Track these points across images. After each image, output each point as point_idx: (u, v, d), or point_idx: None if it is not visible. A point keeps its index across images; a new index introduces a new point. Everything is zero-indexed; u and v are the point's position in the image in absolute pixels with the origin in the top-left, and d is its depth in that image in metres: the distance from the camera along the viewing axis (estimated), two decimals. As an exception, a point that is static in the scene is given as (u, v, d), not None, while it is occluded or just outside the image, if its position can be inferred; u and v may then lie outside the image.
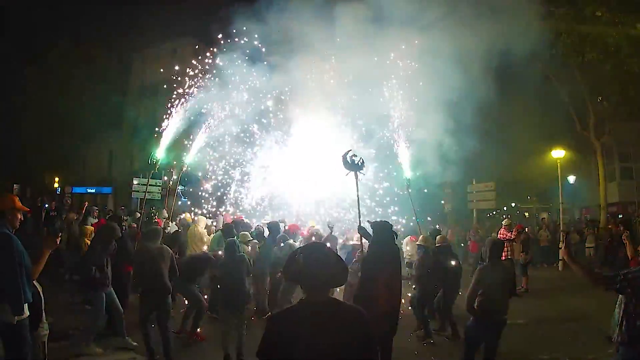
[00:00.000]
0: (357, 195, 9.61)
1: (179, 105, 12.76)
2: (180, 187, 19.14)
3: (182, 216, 16.92)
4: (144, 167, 21.85)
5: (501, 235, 14.63)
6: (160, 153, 11.65)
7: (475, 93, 16.14)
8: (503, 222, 15.73)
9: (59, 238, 5.88)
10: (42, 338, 5.99)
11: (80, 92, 32.93)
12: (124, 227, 9.67)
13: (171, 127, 12.31)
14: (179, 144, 14.91)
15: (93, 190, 39.62)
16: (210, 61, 15.65)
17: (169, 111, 12.60)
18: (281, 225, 12.51)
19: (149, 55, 34.69)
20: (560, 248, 6.17)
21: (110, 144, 36.67)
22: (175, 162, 15.60)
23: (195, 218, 14.71)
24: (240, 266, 8.13)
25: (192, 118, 13.88)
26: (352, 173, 9.74)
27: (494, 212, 27.52)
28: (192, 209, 19.39)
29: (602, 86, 19.71)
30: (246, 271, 8.27)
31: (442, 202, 26.19)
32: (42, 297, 5.80)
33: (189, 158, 14.64)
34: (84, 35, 34.69)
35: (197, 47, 15.20)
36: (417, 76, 14.31)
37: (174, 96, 12.99)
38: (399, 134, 13.25)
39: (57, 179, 39.80)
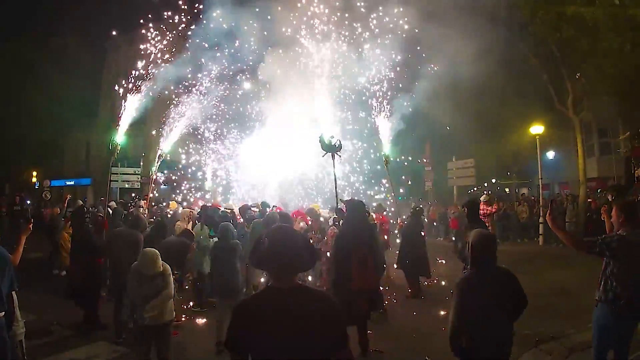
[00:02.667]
0: (335, 176, 9.58)
1: (137, 87, 12.39)
2: (160, 174, 19.03)
3: (165, 204, 16.76)
4: (122, 157, 21.65)
5: (481, 211, 14.77)
6: (119, 137, 11.37)
7: (454, 70, 16.16)
8: (481, 198, 15.84)
9: (31, 224, 6.40)
10: (19, 337, 6.00)
11: (55, 85, 32.39)
12: (87, 218, 9.37)
13: (128, 109, 11.95)
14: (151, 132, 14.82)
15: (72, 183, 39.21)
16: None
17: (126, 94, 12.23)
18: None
19: (122, 44, 34.23)
20: (546, 214, 5.98)
21: (87, 135, 36.16)
22: (158, 150, 15.49)
23: (172, 211, 14.61)
24: (233, 252, 7.98)
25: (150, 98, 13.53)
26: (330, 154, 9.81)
27: (475, 189, 27.58)
28: (173, 195, 19.29)
29: (579, 63, 19.70)
30: (239, 257, 8.09)
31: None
32: (15, 296, 5.80)
33: (165, 145, 14.53)
34: (56, 26, 34.05)
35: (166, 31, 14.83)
36: (396, 48, 14.26)
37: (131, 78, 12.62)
38: (378, 107, 13.12)
39: (35, 174, 39.31)
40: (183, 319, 9.10)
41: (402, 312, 9.80)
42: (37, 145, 36.20)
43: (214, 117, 19.18)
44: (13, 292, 5.63)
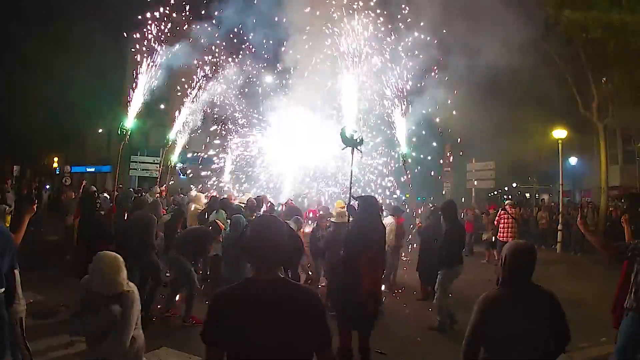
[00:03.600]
0: (351, 171, 9.45)
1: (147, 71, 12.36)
2: (179, 164, 19.14)
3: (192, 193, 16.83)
4: (142, 146, 21.83)
5: (505, 216, 14.73)
6: (129, 122, 11.33)
7: (477, 70, 15.98)
8: (506, 202, 15.64)
9: (35, 204, 6.31)
10: (19, 314, 5.93)
11: (77, 73, 32.69)
12: (97, 204, 9.40)
13: (138, 94, 11.91)
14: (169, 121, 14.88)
15: (92, 169, 39.61)
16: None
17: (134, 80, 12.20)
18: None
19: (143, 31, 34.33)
20: (577, 220, 5.73)
21: (109, 122, 36.46)
22: (175, 140, 15.55)
23: (194, 195, 14.65)
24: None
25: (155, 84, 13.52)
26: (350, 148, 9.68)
27: (495, 192, 27.34)
28: (192, 186, 19.33)
29: (606, 67, 19.32)
30: None
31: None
32: (17, 273, 5.81)
33: (173, 133, 14.56)
34: (79, 15, 34.33)
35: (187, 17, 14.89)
36: (418, 49, 14.11)
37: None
38: (396, 105, 12.97)
39: (56, 160, 39.86)
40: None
41: (409, 314, 9.73)
42: (60, 132, 36.61)
43: (234, 107, 19.19)
44: (15, 271, 5.65)
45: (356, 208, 7.61)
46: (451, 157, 27.54)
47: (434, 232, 10.78)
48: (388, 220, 11.50)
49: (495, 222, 15.39)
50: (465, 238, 9.25)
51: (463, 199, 25.00)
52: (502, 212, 15.18)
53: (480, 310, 3.46)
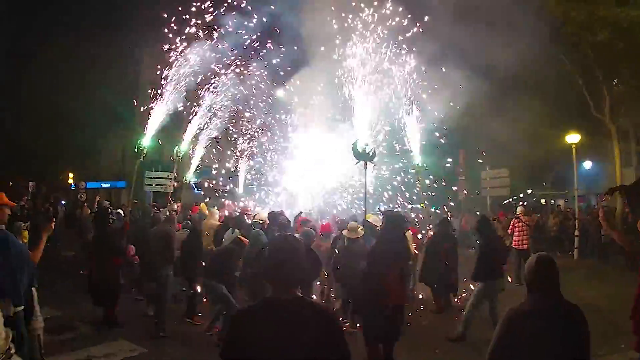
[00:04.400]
0: (365, 186, 9.41)
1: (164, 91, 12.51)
2: (193, 179, 19.28)
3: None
4: (157, 161, 21.99)
5: (518, 223, 14.77)
6: (146, 140, 11.50)
7: (486, 75, 15.93)
8: (517, 210, 15.56)
9: (53, 222, 6.57)
10: (37, 330, 6.14)
11: (92, 90, 33.07)
12: (111, 220, 9.51)
13: (157, 113, 12.07)
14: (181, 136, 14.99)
15: (107, 185, 39.90)
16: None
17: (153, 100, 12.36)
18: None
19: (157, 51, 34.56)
20: (599, 216, 5.64)
21: (123, 139, 36.75)
22: (191, 154, 15.66)
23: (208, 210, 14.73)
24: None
25: (179, 107, 13.66)
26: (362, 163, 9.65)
27: (510, 199, 27.08)
28: (206, 200, 19.44)
29: (616, 67, 19.16)
30: None
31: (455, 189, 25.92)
32: (35, 291, 5.94)
33: (183, 145, 14.65)
34: (93, 31, 34.72)
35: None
36: (430, 57, 14.08)
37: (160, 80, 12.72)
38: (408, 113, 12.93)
39: (71, 176, 40.21)
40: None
41: (425, 325, 9.67)
42: (75, 148, 37.00)
43: (247, 121, 19.34)
44: (32, 288, 5.78)
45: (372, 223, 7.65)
46: (464, 165, 27.39)
47: (441, 241, 10.87)
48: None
49: (510, 230, 15.24)
50: (504, 252, 9.06)
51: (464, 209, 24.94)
52: (515, 219, 15.14)
53: (507, 324, 3.42)
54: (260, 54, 17.55)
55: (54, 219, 6.82)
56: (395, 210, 8.83)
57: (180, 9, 14.86)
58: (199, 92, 15.84)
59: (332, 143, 15.35)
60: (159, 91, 12.37)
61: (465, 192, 26.41)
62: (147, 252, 9.62)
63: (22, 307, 5.38)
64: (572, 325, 3.39)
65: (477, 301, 8.66)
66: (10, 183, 40.11)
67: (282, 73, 18.21)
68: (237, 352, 2.63)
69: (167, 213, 11.00)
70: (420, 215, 14.40)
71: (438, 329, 9.33)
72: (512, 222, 15.36)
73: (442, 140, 14.90)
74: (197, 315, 9.57)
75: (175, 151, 15.09)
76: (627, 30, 16.36)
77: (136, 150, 11.46)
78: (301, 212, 13.33)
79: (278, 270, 2.75)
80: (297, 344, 2.55)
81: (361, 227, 9.30)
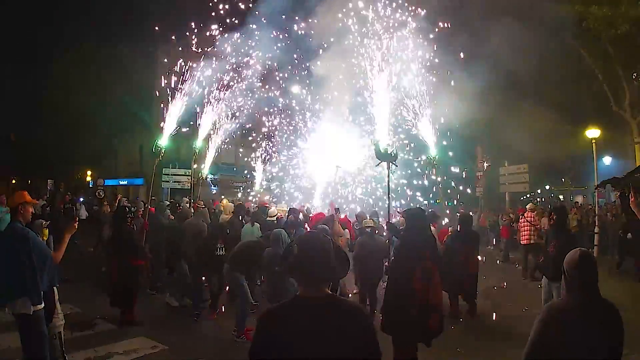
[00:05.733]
0: (388, 188, 9.27)
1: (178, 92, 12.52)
2: (210, 176, 19.34)
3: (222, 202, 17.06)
4: (174, 158, 22.11)
5: (527, 219, 15.02)
6: (164, 140, 11.52)
7: (506, 71, 15.78)
8: (527, 206, 15.80)
9: (77, 222, 6.46)
10: (58, 328, 6.17)
11: (110, 89, 33.34)
12: (129, 219, 9.54)
13: (173, 113, 12.10)
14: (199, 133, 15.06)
15: (125, 183, 40.20)
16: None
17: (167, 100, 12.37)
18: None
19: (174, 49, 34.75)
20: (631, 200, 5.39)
21: (141, 137, 36.99)
22: (197, 151, 15.71)
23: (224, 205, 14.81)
24: None
25: (196, 107, 13.70)
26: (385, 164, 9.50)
27: (528, 195, 26.87)
28: (222, 196, 19.49)
29: (637, 62, 18.91)
30: None
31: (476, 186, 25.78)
32: (56, 288, 5.96)
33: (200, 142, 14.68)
34: (111, 31, 35.05)
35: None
36: (447, 51, 13.94)
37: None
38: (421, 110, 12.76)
39: (89, 173, 40.60)
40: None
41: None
42: (93, 146, 37.26)
43: (265, 117, 19.41)
44: (54, 287, 5.81)
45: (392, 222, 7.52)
46: (482, 160, 27.19)
47: (463, 242, 10.17)
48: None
49: (519, 227, 15.71)
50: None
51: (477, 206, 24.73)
52: (521, 217, 15.56)
53: (545, 322, 3.27)
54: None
55: (77, 219, 6.81)
56: (417, 207, 8.55)
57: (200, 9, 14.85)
58: (218, 89, 15.84)
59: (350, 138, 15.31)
60: (177, 90, 12.38)
61: (481, 188, 26.22)
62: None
63: (42, 306, 5.40)
64: (610, 324, 3.27)
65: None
66: (30, 181, 40.76)
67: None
68: (267, 352, 2.57)
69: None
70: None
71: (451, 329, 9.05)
72: (520, 219, 15.67)
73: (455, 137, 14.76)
74: (218, 311, 9.52)
75: (194, 147, 15.19)
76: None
77: (153, 150, 11.48)
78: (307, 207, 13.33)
79: (308, 268, 2.69)
80: (329, 344, 2.49)
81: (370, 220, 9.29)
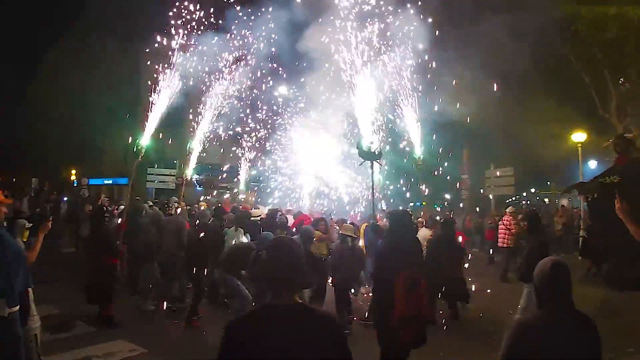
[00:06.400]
0: (372, 187, 9.15)
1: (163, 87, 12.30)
2: (195, 176, 19.21)
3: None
4: (160, 158, 21.93)
5: (506, 223, 15.31)
6: (145, 140, 11.29)
7: (492, 72, 15.76)
8: (507, 210, 16.16)
9: (51, 221, 6.42)
10: (34, 331, 6.06)
11: (95, 87, 33.10)
12: (106, 217, 9.44)
13: (156, 111, 11.86)
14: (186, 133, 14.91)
15: (110, 182, 39.87)
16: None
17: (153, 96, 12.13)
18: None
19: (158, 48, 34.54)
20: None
21: (126, 136, 36.85)
22: (189, 152, 15.56)
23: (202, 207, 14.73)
24: None
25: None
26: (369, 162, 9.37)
27: (513, 199, 26.94)
28: (207, 197, 19.38)
29: (624, 66, 19.01)
30: None
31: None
32: (30, 290, 5.84)
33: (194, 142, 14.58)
34: (94, 29, 34.80)
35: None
36: (433, 51, 13.84)
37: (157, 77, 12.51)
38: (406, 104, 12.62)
39: (74, 172, 40.25)
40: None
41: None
42: (77, 145, 36.99)
43: (249, 118, 19.32)
44: (29, 289, 5.69)
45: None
46: (468, 163, 27.26)
47: (443, 248, 10.03)
48: (422, 233, 11.06)
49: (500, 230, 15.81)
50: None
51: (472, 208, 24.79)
52: (501, 221, 15.83)
53: (516, 337, 3.06)
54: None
55: (52, 218, 6.70)
56: (402, 209, 8.42)
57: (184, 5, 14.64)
58: (202, 87, 15.71)
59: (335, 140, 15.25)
60: (158, 89, 12.17)
61: (465, 190, 26.28)
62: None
63: (17, 308, 5.26)
64: (586, 338, 3.09)
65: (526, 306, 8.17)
66: (14, 179, 40.36)
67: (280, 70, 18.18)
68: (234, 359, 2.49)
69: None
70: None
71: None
72: (500, 223, 15.93)
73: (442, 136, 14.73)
74: (197, 317, 9.36)
75: (188, 148, 15.03)
76: (635, 29, 16.15)
77: (135, 150, 11.26)
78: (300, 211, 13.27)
79: (277, 275, 2.61)
80: (298, 352, 2.42)
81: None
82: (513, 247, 14.85)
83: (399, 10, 13.47)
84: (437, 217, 11.92)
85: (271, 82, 18.76)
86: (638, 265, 6.05)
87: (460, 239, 11.39)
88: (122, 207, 12.99)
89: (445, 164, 19.34)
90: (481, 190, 24.40)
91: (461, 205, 26.89)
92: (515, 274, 8.53)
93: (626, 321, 7.68)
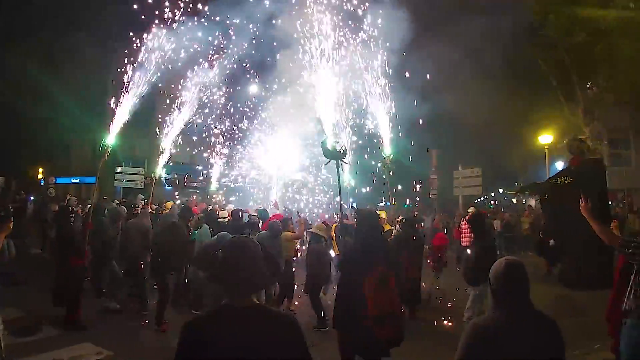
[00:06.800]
0: (339, 187, 9.08)
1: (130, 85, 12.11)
2: (165, 175, 19.02)
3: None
4: (128, 156, 21.67)
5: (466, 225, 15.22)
6: (111, 138, 11.06)
7: (461, 76, 15.90)
8: (469, 210, 15.99)
9: (11, 222, 6.10)
10: None
11: (63, 85, 32.55)
12: (71, 218, 9.29)
13: (122, 109, 11.63)
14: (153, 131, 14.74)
15: (77, 181, 39.21)
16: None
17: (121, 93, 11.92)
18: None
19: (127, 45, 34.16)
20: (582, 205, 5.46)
21: (94, 134, 36.32)
22: (160, 151, 15.40)
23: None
24: None
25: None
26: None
27: (481, 198, 27.25)
28: (177, 196, 19.21)
29: (591, 70, 19.39)
30: None
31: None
32: None
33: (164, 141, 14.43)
34: (63, 27, 34.28)
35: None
36: (401, 52, 13.87)
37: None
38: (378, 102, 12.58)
39: (41, 171, 39.56)
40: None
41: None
42: (45, 143, 36.38)
43: (220, 117, 19.21)
44: None
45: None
46: (436, 163, 27.47)
47: (404, 245, 10.08)
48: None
49: (462, 229, 16.30)
50: (495, 252, 8.65)
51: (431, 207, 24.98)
52: (463, 220, 16.06)
53: (469, 340, 2.98)
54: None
55: (12, 219, 6.49)
56: (369, 208, 8.47)
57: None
58: (172, 85, 15.55)
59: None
60: (125, 87, 11.95)
61: (433, 190, 26.47)
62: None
63: None
64: (546, 340, 2.99)
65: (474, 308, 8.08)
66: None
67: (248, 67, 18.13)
68: None
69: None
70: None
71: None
72: (462, 221, 16.26)
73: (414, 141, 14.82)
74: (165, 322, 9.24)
75: (158, 147, 14.85)
76: (604, 34, 16.42)
77: (100, 149, 11.00)
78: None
79: (233, 275, 2.56)
80: (255, 353, 2.40)
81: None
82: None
83: (370, 9, 13.48)
84: (400, 217, 11.82)
85: (240, 85, 18.65)
86: (590, 265, 6.20)
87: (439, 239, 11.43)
88: (89, 206, 12.74)
89: (410, 161, 19.36)
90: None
91: (430, 205, 27.15)
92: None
93: (591, 318, 7.80)
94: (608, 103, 21.27)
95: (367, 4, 13.40)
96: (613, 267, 6.39)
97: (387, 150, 11.98)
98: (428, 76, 15.06)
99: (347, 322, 5.75)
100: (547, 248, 13.35)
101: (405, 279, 9.48)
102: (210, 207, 14.66)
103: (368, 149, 15.36)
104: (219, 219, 11.85)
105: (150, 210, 13.04)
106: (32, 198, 26.48)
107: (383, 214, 11.54)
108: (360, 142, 15.57)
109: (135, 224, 10.36)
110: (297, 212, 12.90)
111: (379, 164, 12.40)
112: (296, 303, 10.36)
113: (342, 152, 8.97)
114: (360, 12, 13.32)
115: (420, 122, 15.45)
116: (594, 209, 5.51)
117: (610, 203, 21.97)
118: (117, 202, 15.50)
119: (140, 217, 10.79)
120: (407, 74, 14.06)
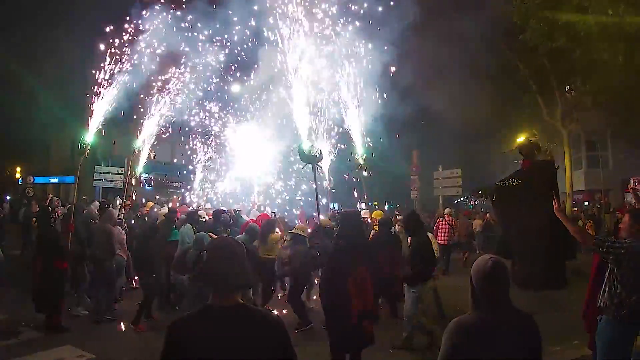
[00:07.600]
0: (316, 190, 9.11)
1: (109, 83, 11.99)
2: (144, 175, 18.90)
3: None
4: (107, 156, 21.45)
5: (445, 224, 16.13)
6: (89, 137, 10.92)
7: (441, 79, 15.97)
8: (445, 211, 16.98)
9: None
10: None
11: (42, 83, 32.15)
12: (53, 220, 9.17)
13: (101, 107, 11.50)
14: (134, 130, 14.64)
15: (56, 180, 38.74)
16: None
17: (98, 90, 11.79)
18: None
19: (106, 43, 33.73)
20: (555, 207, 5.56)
21: (74, 133, 35.90)
22: (138, 150, 15.30)
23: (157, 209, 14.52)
24: None
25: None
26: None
27: (462, 199, 27.43)
28: (157, 196, 19.10)
29: (569, 74, 19.59)
30: None
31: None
32: None
33: (139, 141, 14.36)
34: (42, 24, 33.86)
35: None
36: (380, 55, 13.85)
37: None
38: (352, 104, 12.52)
39: (18, 170, 39.03)
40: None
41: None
42: (23, 141, 35.86)
43: (199, 118, 19.11)
44: None
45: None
46: (418, 164, 27.59)
47: (381, 245, 10.01)
48: None
49: (435, 228, 16.34)
50: (432, 250, 8.68)
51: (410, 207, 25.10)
52: (440, 219, 16.55)
53: (450, 342, 2.98)
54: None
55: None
56: (352, 209, 8.53)
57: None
58: (152, 83, 15.46)
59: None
60: (104, 85, 11.84)
61: (416, 191, 26.56)
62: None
63: None
64: (526, 338, 3.03)
65: (416, 306, 8.06)
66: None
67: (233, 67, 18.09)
68: None
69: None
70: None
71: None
72: (437, 221, 16.70)
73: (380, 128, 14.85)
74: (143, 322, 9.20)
75: (136, 145, 14.78)
76: (584, 39, 16.56)
77: (79, 147, 10.86)
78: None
79: (217, 275, 2.57)
80: (239, 353, 2.41)
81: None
82: (450, 244, 16.29)
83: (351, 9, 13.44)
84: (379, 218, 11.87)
85: (222, 81, 18.55)
86: (537, 266, 6.31)
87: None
88: (68, 207, 12.58)
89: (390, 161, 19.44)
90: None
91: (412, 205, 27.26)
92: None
93: (569, 315, 7.89)
94: (586, 106, 21.55)
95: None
96: (564, 267, 6.53)
97: (360, 149, 12.01)
98: (407, 78, 15.14)
99: (336, 321, 5.89)
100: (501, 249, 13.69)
101: (386, 277, 9.47)
102: (191, 208, 14.60)
103: (344, 149, 15.28)
104: (200, 219, 11.80)
105: (124, 210, 13.02)
106: (8, 198, 26.16)
107: (379, 214, 11.66)
108: (340, 145, 15.56)
109: (99, 227, 10.09)
110: (273, 212, 12.95)
111: (356, 166, 12.44)
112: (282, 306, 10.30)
113: (317, 156, 9.01)
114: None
115: (402, 124, 15.55)
116: (546, 210, 5.64)
117: (587, 203, 22.30)
118: (98, 203, 15.40)
119: (104, 220, 10.36)
120: (391, 72, 14.06)
